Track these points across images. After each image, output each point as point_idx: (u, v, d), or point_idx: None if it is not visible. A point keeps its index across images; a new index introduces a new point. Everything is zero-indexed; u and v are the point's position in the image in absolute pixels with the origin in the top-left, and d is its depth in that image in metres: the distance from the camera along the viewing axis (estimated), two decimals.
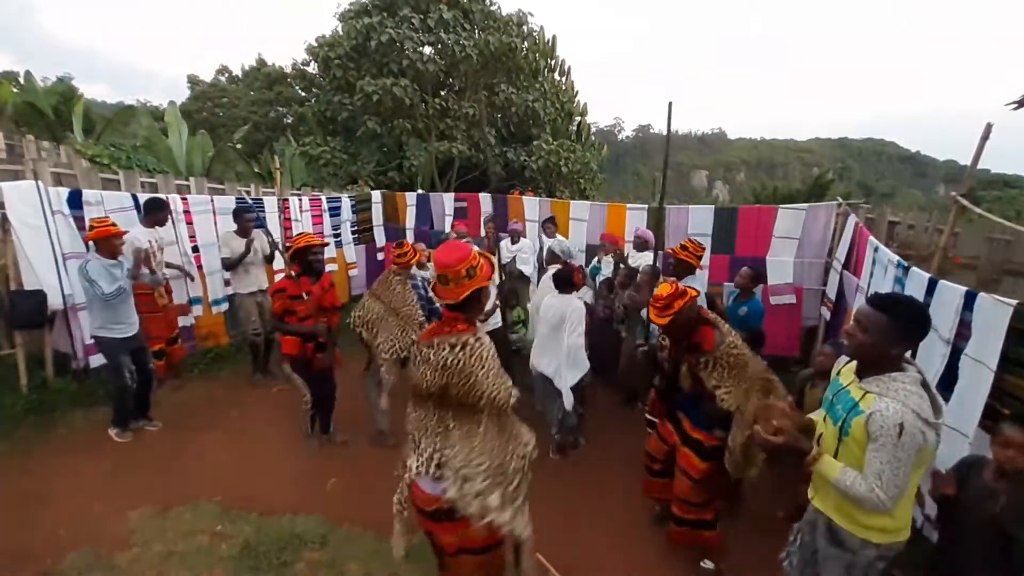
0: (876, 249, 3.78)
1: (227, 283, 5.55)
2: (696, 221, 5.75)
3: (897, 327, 1.65)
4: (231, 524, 3.09)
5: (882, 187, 51.08)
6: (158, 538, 2.95)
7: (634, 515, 3.31)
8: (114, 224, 3.82)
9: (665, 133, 3.63)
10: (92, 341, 4.00)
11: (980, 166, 3.33)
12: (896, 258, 3.38)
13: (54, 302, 4.07)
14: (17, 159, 5.52)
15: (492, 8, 12.25)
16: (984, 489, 1.95)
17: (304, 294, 3.65)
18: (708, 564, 2.82)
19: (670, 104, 3.50)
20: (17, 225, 3.90)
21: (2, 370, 4.21)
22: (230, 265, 4.98)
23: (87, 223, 4.31)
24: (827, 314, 4.94)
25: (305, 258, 3.68)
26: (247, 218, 5.03)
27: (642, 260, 5.00)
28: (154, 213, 4.49)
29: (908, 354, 1.76)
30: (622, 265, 5.07)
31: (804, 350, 5.31)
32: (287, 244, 6.37)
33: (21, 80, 13.20)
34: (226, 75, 25.38)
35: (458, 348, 1.77)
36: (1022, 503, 1.84)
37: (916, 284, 3.06)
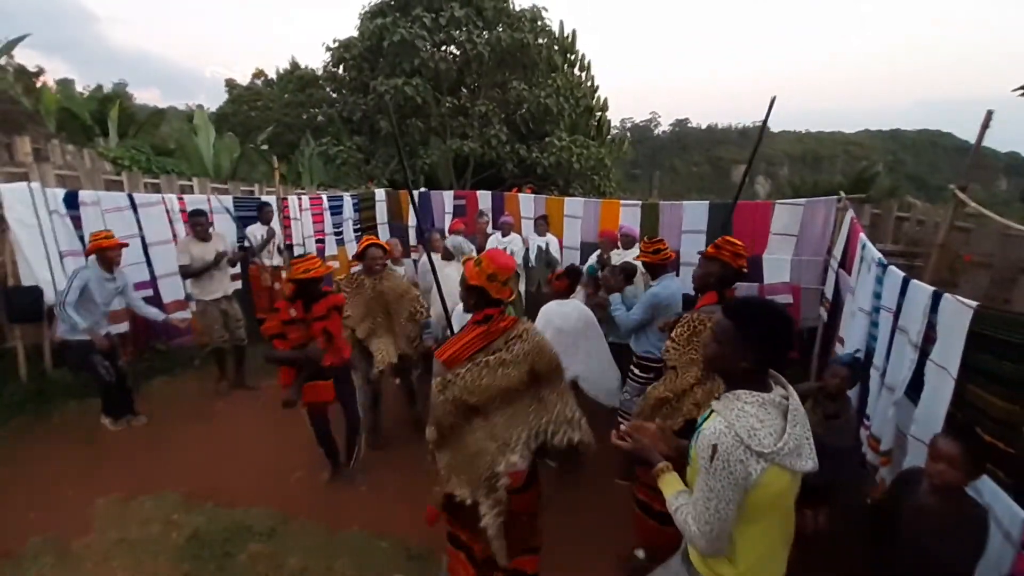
0: (864, 246, 3.53)
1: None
2: (690, 218, 5.53)
3: (742, 336, 1.45)
4: (186, 514, 3.18)
5: (936, 181, 47.90)
6: (116, 525, 3.07)
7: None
8: (110, 236, 3.98)
9: (759, 128, 3.50)
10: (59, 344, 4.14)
11: None
12: (878, 256, 3.15)
13: (50, 297, 4.29)
14: (42, 163, 5.86)
15: (505, 4, 12.18)
16: (916, 505, 1.78)
17: (299, 319, 3.27)
18: (640, 554, 2.81)
19: (772, 99, 3.29)
20: (14, 224, 4.13)
21: (4, 362, 4.47)
22: (191, 274, 4.69)
23: (90, 226, 4.60)
24: (825, 315, 4.66)
25: (305, 287, 3.25)
26: (198, 221, 4.71)
27: (628, 258, 4.86)
28: (263, 212, 5.90)
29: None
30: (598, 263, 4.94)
31: (803, 352, 5.03)
32: (287, 243, 6.58)
33: (64, 88, 14.02)
34: (262, 78, 26.27)
35: (525, 335, 2.00)
36: (946, 523, 1.66)
37: (892, 283, 2.84)
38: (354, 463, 3.64)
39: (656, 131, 76.62)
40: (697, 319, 2.58)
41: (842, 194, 4.93)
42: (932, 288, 2.42)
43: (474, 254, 5.09)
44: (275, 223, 6.20)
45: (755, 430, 1.35)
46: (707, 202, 5.58)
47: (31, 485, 3.44)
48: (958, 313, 2.16)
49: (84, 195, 4.67)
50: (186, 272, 4.72)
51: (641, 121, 75.67)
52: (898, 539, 1.81)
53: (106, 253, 3.89)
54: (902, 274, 2.75)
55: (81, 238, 4.63)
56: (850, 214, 4.33)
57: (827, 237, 4.87)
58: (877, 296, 3.07)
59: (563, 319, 3.57)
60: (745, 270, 2.69)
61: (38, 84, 15.34)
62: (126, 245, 4.20)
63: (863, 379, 3.02)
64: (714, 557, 1.49)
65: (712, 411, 1.50)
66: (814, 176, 36.82)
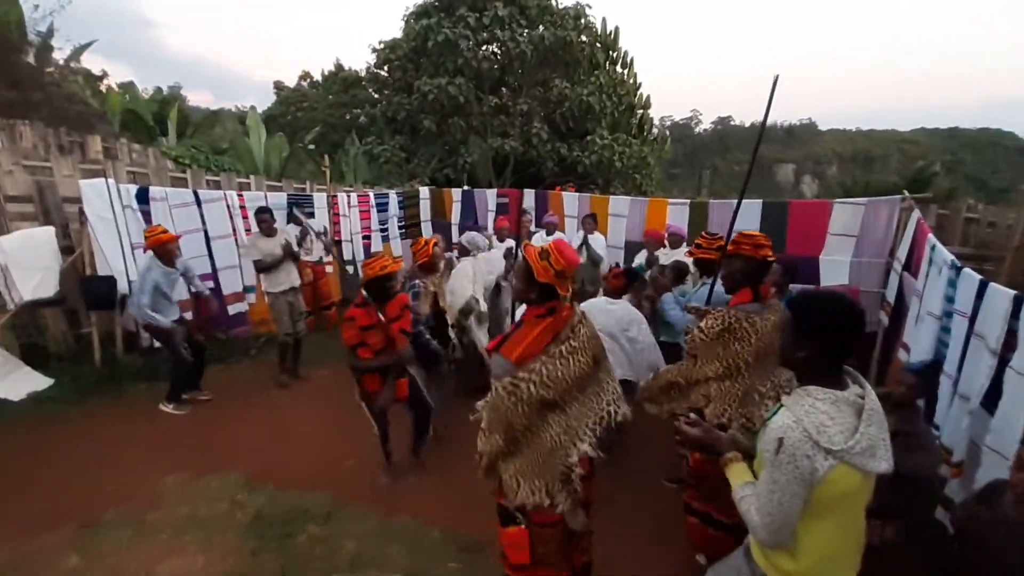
0: (933, 248, 3.37)
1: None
2: (742, 217, 5.37)
3: (797, 325, 1.45)
4: (250, 494, 3.33)
5: (997, 182, 44.95)
6: (185, 501, 3.25)
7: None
8: (166, 230, 4.24)
9: (758, 121, 3.35)
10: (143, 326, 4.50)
11: None
12: (951, 258, 3.00)
13: (122, 287, 4.57)
14: (112, 160, 6.25)
15: (548, 2, 12.16)
16: (1000, 518, 1.69)
17: (376, 323, 3.26)
18: (702, 560, 2.69)
19: (776, 77, 2.88)
20: (92, 218, 4.43)
21: (81, 346, 4.79)
22: (265, 268, 4.86)
23: (159, 221, 4.89)
24: (886, 320, 4.47)
25: (381, 286, 3.25)
26: (264, 218, 4.93)
27: (676, 257, 4.79)
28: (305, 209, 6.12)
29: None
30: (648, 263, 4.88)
31: (861, 357, 4.84)
32: (335, 238, 6.79)
33: (128, 90, 14.85)
34: (307, 80, 27.11)
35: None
36: None
37: (967, 286, 2.70)
38: (420, 453, 3.71)
39: (697, 129, 74.90)
40: (732, 315, 2.48)
41: (906, 193, 4.71)
42: (1014, 292, 2.30)
43: (487, 250, 5.15)
44: (316, 220, 6.40)
45: (824, 426, 1.33)
46: (760, 200, 5.42)
47: (105, 461, 3.68)
48: None
49: (154, 191, 4.96)
50: (260, 267, 4.86)
51: (681, 119, 74.08)
52: (982, 553, 1.74)
53: (167, 247, 4.14)
54: (979, 277, 2.62)
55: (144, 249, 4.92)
56: (916, 215, 4.13)
57: (889, 238, 4.65)
58: (949, 300, 2.92)
59: (606, 316, 3.53)
60: (771, 258, 2.57)
61: (102, 87, 16.34)
62: (179, 237, 4.45)
63: (932, 389, 2.88)
64: (775, 551, 1.48)
65: (781, 406, 1.49)
66: (866, 176, 35.19)
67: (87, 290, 4.50)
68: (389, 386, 3.32)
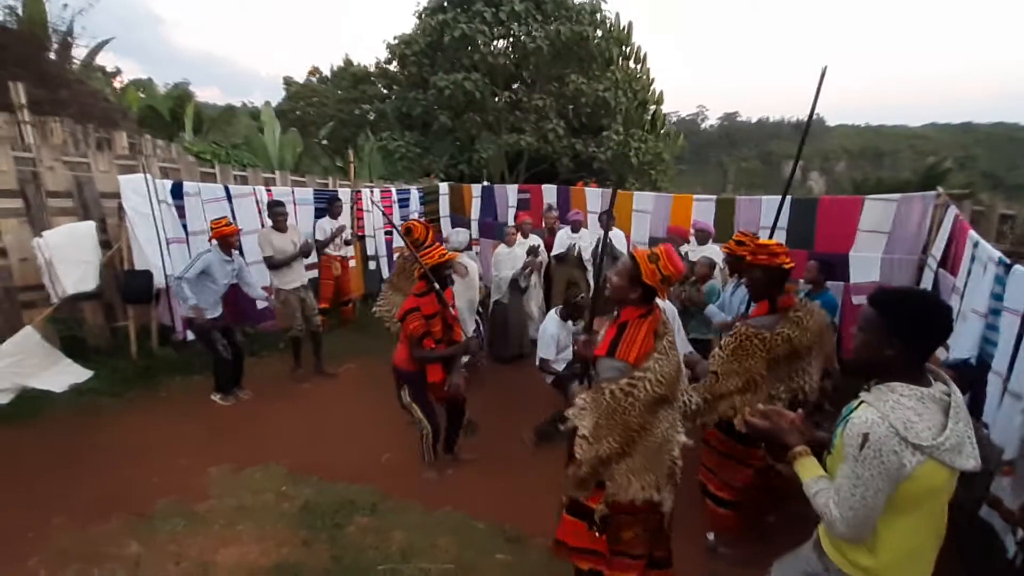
0: (976, 245, 3.36)
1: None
2: (769, 213, 5.38)
3: (887, 323, 1.43)
4: (294, 486, 3.39)
5: (1014, 178, 44.41)
6: (232, 493, 3.30)
7: None
8: (230, 223, 4.35)
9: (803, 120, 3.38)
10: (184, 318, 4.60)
11: None
12: (997, 254, 2.99)
13: (159, 281, 4.62)
14: (136, 156, 6.31)
15: None
16: None
17: (439, 311, 3.28)
18: (710, 537, 2.92)
19: (824, 69, 2.76)
20: (130, 213, 4.48)
21: (117, 340, 4.85)
22: (276, 264, 4.83)
23: (192, 215, 4.99)
24: None
25: (441, 273, 3.29)
26: (279, 212, 4.90)
27: (703, 253, 4.79)
28: (333, 207, 5.95)
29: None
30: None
31: None
32: (359, 233, 6.83)
33: (145, 86, 14.93)
34: (317, 76, 27.14)
35: (661, 312, 2.08)
36: None
37: (1019, 284, 2.69)
38: (456, 447, 3.76)
39: (703, 125, 74.47)
40: (744, 332, 2.57)
41: (940, 189, 4.69)
42: None
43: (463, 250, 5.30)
44: (344, 216, 6.42)
45: (912, 422, 1.34)
46: (789, 197, 5.41)
47: (149, 452, 3.74)
48: None
49: (188, 186, 5.00)
50: (271, 263, 4.85)
51: (688, 115, 73.66)
52: None
53: (228, 239, 4.28)
54: None
55: (184, 226, 4.96)
56: (953, 211, 4.12)
57: (923, 235, 4.64)
58: (998, 298, 2.91)
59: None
60: (789, 266, 2.63)
61: (116, 84, 16.43)
62: (240, 230, 4.54)
63: (973, 386, 2.89)
64: (852, 546, 1.49)
65: (861, 402, 1.49)
66: (876, 172, 34.87)
67: (125, 284, 4.55)
68: (454, 374, 3.38)
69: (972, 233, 3.52)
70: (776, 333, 2.55)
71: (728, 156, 65.43)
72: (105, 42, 12.13)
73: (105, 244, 4.72)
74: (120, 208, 4.52)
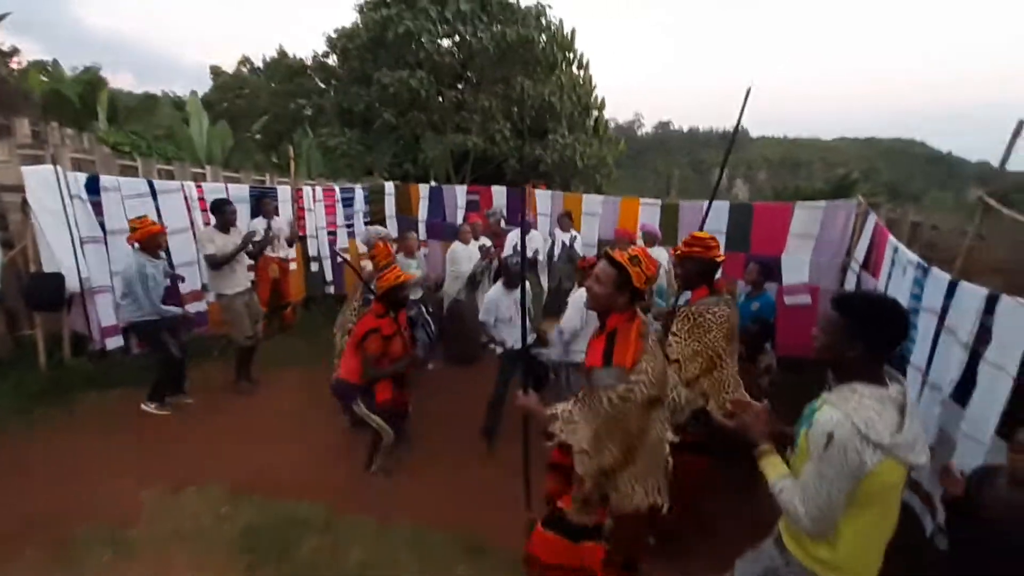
0: (896, 249, 3.67)
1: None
2: (710, 218, 5.63)
3: (850, 326, 1.52)
4: (234, 507, 3.14)
5: (910, 188, 49.47)
6: (165, 517, 3.01)
7: None
8: (155, 223, 4.02)
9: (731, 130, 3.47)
10: (124, 326, 4.32)
11: (1015, 167, 3.20)
12: (916, 259, 3.28)
13: (72, 285, 4.16)
14: (41, 145, 5.66)
15: (510, 0, 12.17)
16: (999, 498, 1.87)
17: (396, 331, 3.39)
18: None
19: (748, 89, 2.98)
20: (37, 209, 4.00)
21: (22, 350, 4.32)
22: (218, 263, 4.45)
23: (110, 212, 4.53)
24: None
25: (397, 296, 3.37)
26: (230, 210, 4.57)
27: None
28: (264, 206, 5.56)
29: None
30: None
31: None
32: (300, 234, 6.49)
33: (50, 69, 13.49)
34: (248, 66, 25.63)
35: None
36: None
37: (936, 286, 2.96)
38: (404, 457, 3.71)
39: (640, 132, 77.38)
40: (696, 311, 2.65)
41: (860, 198, 5.10)
42: (987, 291, 2.54)
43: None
44: (282, 217, 6.06)
45: (872, 421, 1.41)
46: (727, 202, 5.70)
47: (67, 474, 3.34)
48: (1019, 314, 2.29)
49: (105, 180, 4.53)
50: (213, 262, 4.45)
51: (625, 122, 76.32)
52: (982, 536, 1.90)
53: (157, 239, 3.95)
54: (947, 276, 2.87)
55: (102, 224, 4.50)
56: (873, 217, 4.48)
57: (846, 239, 5.02)
58: (916, 298, 3.19)
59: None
60: (720, 259, 2.75)
61: (13, 65, 14.71)
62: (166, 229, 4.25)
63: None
64: (813, 540, 1.56)
65: (824, 402, 1.56)
66: (794, 181, 37.59)
67: (30, 288, 4.06)
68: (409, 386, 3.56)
69: (892, 239, 3.84)
70: (722, 310, 2.63)
71: (662, 162, 68.31)
72: (1, 17, 10.86)
73: (6, 243, 4.19)
74: (24, 203, 4.02)
